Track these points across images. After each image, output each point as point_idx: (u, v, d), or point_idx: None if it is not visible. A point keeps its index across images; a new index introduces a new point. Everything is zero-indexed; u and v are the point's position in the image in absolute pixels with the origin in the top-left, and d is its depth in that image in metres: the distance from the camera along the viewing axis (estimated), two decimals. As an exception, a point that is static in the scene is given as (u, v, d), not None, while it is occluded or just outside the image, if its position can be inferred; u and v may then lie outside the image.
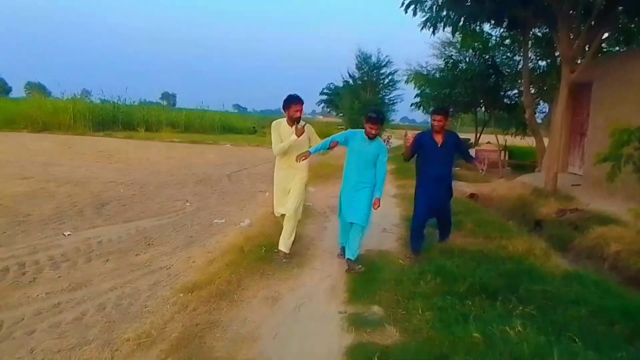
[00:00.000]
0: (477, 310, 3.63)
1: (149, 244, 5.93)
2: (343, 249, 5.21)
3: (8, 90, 72.71)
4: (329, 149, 4.99)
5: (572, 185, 9.83)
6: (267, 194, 9.69)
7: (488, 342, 3.01)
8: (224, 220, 7.32)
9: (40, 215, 7.00)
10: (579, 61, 9.81)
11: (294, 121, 4.98)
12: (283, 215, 5.17)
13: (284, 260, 5.00)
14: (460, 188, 10.59)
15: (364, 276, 4.60)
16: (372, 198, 4.90)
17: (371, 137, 4.86)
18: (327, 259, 5.30)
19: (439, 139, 5.21)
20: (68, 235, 6.12)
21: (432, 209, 5.31)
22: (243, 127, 36.21)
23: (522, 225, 7.67)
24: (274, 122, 5.13)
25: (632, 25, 9.51)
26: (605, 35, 10.24)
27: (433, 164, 5.22)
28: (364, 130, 4.91)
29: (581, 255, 6.51)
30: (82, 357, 3.13)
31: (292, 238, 5.15)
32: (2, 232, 6.05)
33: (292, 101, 4.96)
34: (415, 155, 5.42)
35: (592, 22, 8.87)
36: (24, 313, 3.80)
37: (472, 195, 10.19)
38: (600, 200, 8.26)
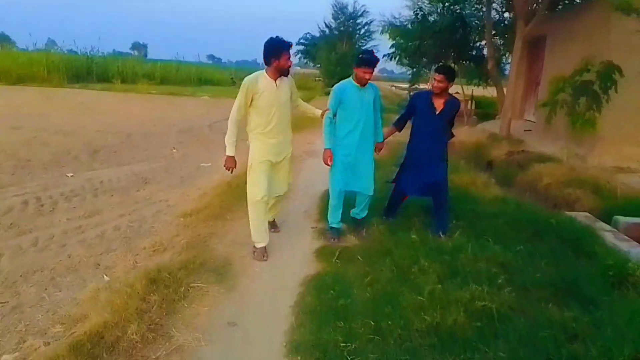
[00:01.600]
0: (419, 224, 4.63)
1: (145, 183, 6.73)
2: (334, 229, 4.53)
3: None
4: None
5: (525, 130, 10.89)
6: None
7: (422, 242, 4.00)
8: (209, 164, 8.13)
9: (40, 160, 7.66)
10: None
11: (281, 73, 3.90)
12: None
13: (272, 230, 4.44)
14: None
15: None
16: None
17: (364, 84, 4.18)
18: (301, 192, 6.21)
19: (439, 104, 4.30)
20: (71, 176, 6.85)
21: (419, 187, 4.46)
22: (220, 79, 36.12)
23: (476, 165, 8.73)
24: (248, 79, 3.85)
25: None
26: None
27: (426, 133, 4.35)
28: (350, 79, 4.27)
29: (523, 188, 7.61)
30: (110, 260, 4.02)
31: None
32: (11, 174, 6.74)
33: (283, 47, 3.81)
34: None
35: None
36: (53, 233, 4.61)
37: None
38: (545, 142, 9.32)
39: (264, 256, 4.02)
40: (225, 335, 2.83)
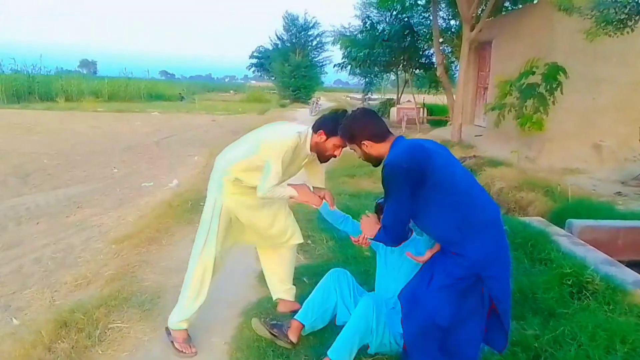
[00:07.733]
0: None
1: (78, 207, 6.18)
2: None
3: None
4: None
5: (475, 135, 10.95)
6: (195, 157, 10.05)
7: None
8: (152, 183, 7.64)
9: (-41, 188, 6.99)
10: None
11: (318, 155, 2.83)
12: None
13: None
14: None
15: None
16: None
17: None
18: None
19: None
20: (-9, 204, 6.24)
21: None
22: (171, 94, 35.40)
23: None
24: (284, 145, 2.60)
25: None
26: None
27: None
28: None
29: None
30: (24, 299, 3.52)
31: None
32: None
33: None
34: None
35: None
36: (-40, 271, 4.07)
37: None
38: (495, 147, 9.35)
39: (190, 346, 2.74)
40: (147, 384, 2.44)
